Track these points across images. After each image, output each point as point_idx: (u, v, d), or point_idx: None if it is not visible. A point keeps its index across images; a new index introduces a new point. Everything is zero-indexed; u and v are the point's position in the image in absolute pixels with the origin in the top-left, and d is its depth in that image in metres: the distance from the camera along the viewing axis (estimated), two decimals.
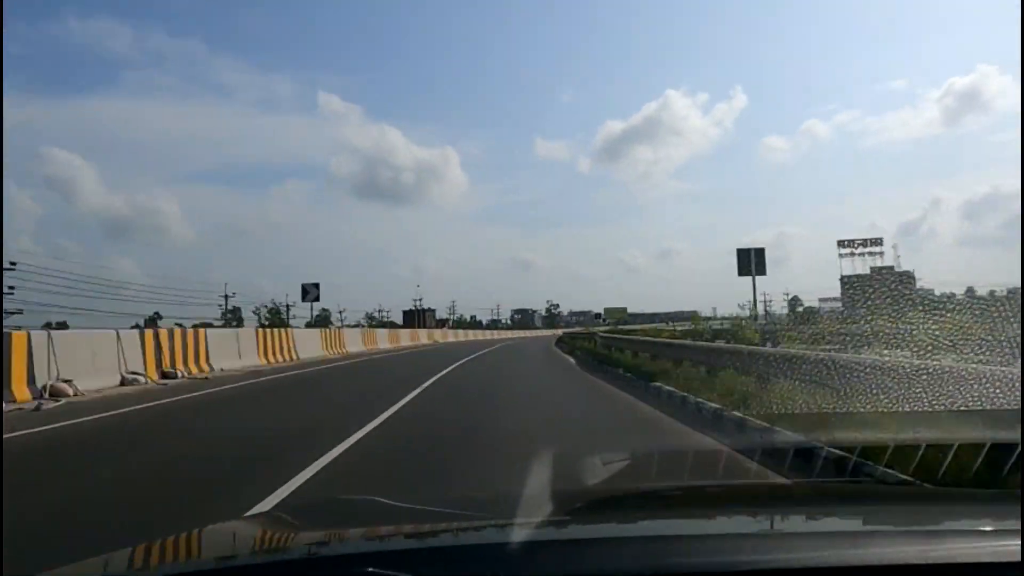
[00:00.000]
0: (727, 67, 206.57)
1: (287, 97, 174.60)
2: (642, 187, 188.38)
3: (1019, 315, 4.83)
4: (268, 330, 20.54)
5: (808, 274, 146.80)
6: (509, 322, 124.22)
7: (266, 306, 65.04)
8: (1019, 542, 1.02)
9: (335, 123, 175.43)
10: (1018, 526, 1.18)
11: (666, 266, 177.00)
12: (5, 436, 6.46)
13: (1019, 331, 4.43)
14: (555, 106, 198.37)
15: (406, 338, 37.90)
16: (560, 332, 65.98)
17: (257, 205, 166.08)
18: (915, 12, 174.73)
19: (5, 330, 10.72)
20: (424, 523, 1.61)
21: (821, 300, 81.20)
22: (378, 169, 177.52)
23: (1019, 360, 4.13)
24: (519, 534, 1.25)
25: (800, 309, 72.44)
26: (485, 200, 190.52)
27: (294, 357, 20.02)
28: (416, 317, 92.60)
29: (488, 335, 69.19)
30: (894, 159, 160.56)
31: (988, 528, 1.31)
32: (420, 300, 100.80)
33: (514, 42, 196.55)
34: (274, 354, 19.12)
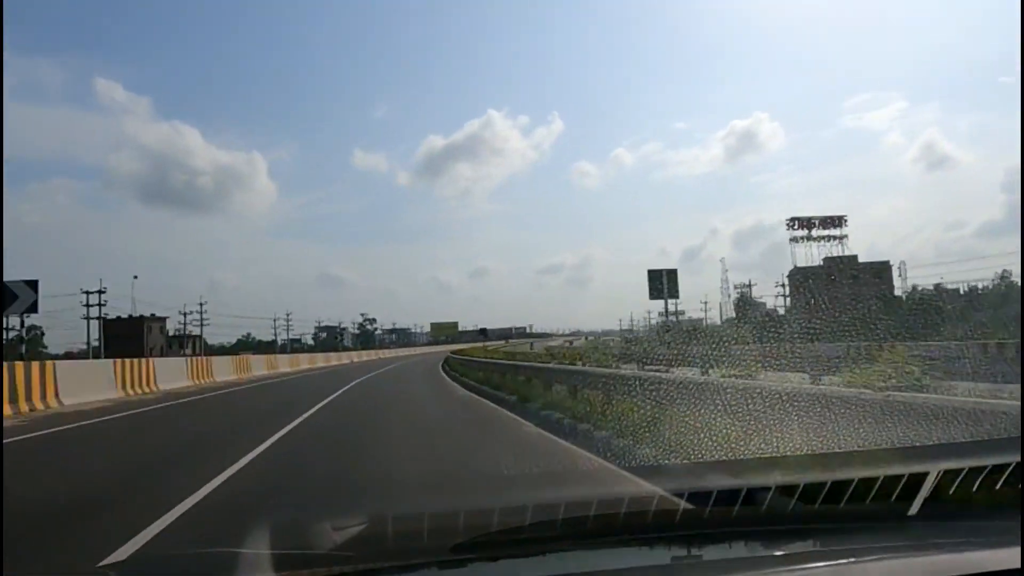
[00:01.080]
0: (547, 92, 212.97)
1: (55, 84, 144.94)
2: (461, 204, 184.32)
3: None
4: (126, 361, 19.10)
5: (610, 292, 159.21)
6: (311, 342, 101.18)
7: None
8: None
9: (117, 116, 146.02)
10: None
11: (478, 284, 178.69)
12: None
13: None
14: (370, 119, 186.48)
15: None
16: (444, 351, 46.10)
17: (9, 205, 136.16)
18: (710, 60, 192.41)
19: None
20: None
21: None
22: (170, 171, 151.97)
23: None
24: None
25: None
26: (296, 211, 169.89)
27: (154, 388, 18.86)
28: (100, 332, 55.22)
29: (269, 367, 32.99)
30: (685, 190, 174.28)
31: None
32: (96, 292, 57.47)
33: (333, 47, 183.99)
34: (134, 386, 17.91)
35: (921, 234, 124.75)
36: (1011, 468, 2.78)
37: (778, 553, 1.57)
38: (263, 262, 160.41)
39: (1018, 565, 1.09)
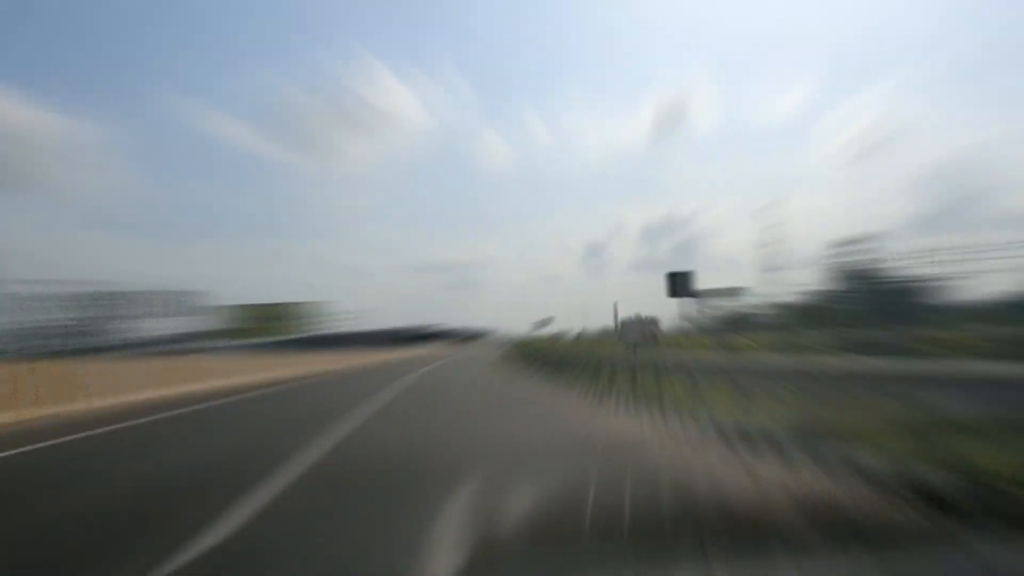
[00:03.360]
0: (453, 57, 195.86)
1: None
2: (338, 187, 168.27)
3: None
4: None
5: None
6: None
7: None
8: None
9: None
10: None
11: (351, 281, 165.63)
12: None
13: None
14: (237, 79, 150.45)
15: None
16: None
17: None
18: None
19: None
20: None
21: None
22: None
23: None
24: None
25: None
26: (124, 197, 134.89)
27: None
28: None
29: None
30: (589, 179, 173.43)
31: None
32: None
33: None
34: None
35: None
36: None
37: None
38: (72, 258, 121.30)
39: None
